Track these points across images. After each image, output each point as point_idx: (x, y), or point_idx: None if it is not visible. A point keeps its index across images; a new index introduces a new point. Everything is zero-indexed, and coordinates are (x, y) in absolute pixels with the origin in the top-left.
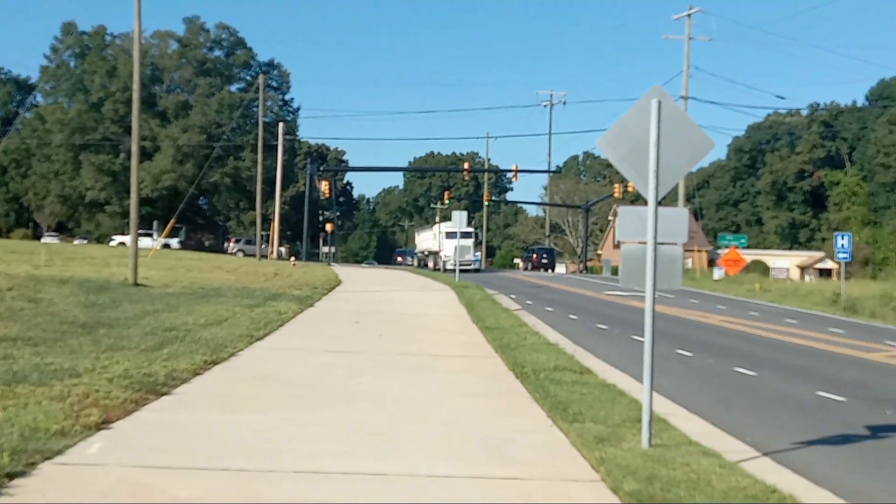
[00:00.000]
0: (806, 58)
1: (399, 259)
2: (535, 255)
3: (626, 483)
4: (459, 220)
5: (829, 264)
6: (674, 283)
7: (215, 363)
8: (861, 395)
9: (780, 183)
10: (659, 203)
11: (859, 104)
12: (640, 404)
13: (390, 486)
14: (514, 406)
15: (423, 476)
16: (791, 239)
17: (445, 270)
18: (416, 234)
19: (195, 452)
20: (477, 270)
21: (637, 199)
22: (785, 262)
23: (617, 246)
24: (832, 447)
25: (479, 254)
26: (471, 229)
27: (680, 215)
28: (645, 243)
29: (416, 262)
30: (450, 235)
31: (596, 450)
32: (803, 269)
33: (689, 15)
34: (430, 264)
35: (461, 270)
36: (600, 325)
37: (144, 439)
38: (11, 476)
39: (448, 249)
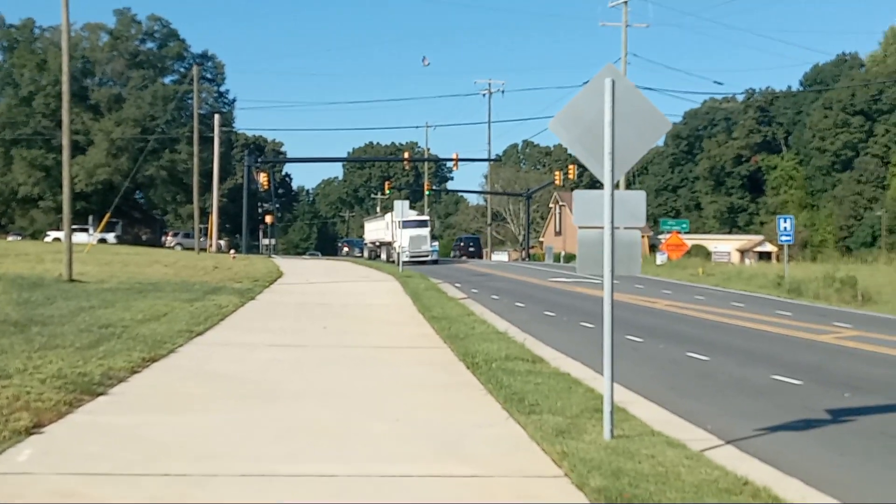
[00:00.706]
0: (742, 44)
1: (345, 249)
2: (462, 244)
3: (591, 479)
4: (402, 209)
5: (768, 247)
6: (633, 268)
7: (154, 360)
8: (816, 378)
9: (717, 168)
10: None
11: (794, 89)
12: (597, 393)
13: (343, 489)
14: (467, 399)
15: (376, 477)
16: (730, 223)
17: (402, 263)
18: (366, 224)
19: (133, 458)
20: (434, 262)
21: (577, 186)
22: (725, 246)
23: (559, 233)
24: (795, 433)
25: (435, 244)
26: (426, 218)
27: (638, 198)
28: (602, 228)
29: (365, 254)
30: (405, 225)
31: (556, 443)
32: (743, 252)
33: (625, 2)
34: (383, 256)
35: (418, 262)
36: (547, 313)
37: (78, 444)
38: None
39: (403, 240)
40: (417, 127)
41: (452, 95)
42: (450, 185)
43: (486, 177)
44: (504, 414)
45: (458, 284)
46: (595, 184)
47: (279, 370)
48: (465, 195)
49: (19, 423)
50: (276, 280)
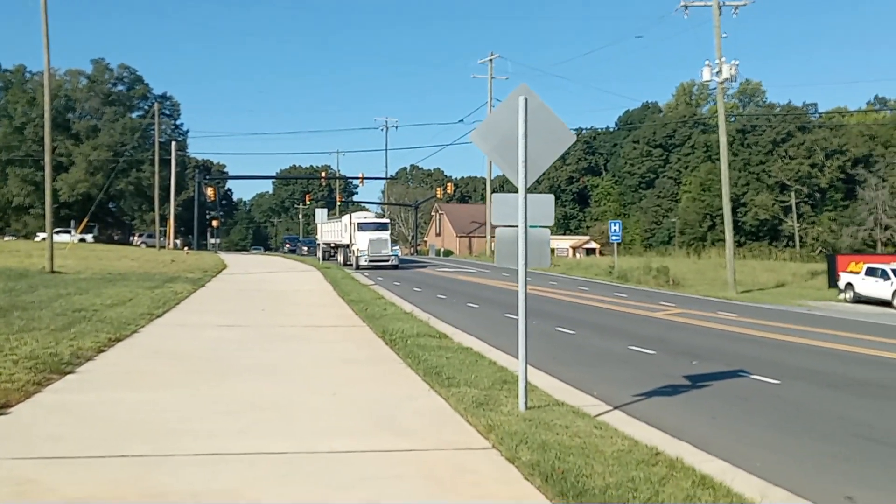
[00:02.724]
0: (576, 93)
1: (287, 246)
2: None
3: (521, 452)
4: (322, 216)
5: (593, 245)
6: (543, 261)
7: (118, 340)
8: (664, 349)
9: (555, 186)
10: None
11: (611, 128)
12: (500, 366)
13: (294, 466)
14: (391, 372)
15: (323, 453)
16: (564, 227)
17: (359, 267)
18: (322, 226)
19: (92, 439)
20: (395, 267)
21: (451, 200)
22: (563, 243)
23: (438, 234)
24: (668, 398)
25: (397, 248)
26: (386, 221)
27: (547, 201)
28: (516, 227)
29: (319, 255)
30: (363, 227)
31: (479, 415)
32: (575, 248)
33: (490, 60)
34: (340, 258)
35: (377, 266)
36: (440, 296)
37: (42, 425)
38: None
39: (362, 243)
40: (330, 152)
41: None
42: (356, 198)
43: (383, 192)
44: (425, 386)
45: (365, 273)
46: (466, 198)
47: (226, 348)
48: (367, 206)
49: None
50: (221, 271)
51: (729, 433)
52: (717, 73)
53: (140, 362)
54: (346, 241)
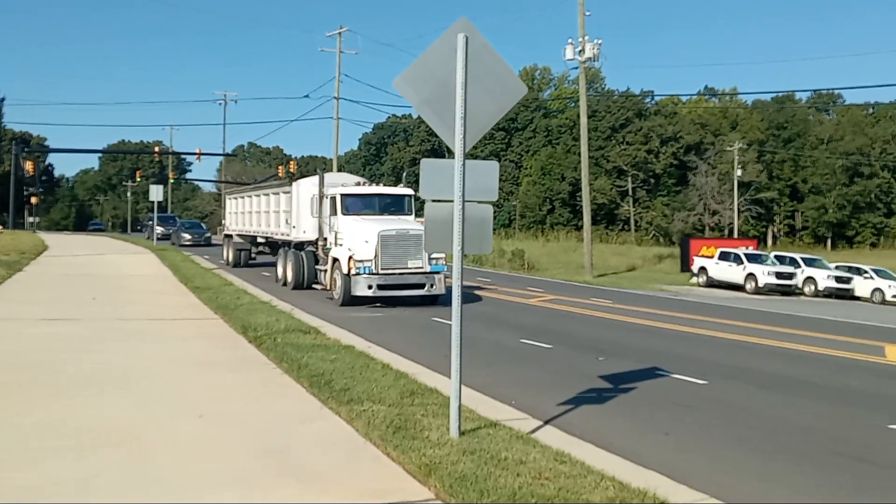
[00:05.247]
0: None
1: (160, 229)
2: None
3: None
4: (157, 192)
5: None
6: (484, 246)
7: None
8: (559, 342)
9: (398, 168)
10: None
11: None
12: (395, 369)
13: None
14: (267, 381)
15: None
16: None
17: (352, 297)
18: (232, 201)
19: None
20: (433, 299)
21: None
22: None
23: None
24: (598, 407)
25: (441, 258)
26: (406, 191)
27: (491, 169)
28: (452, 201)
29: (228, 254)
30: (356, 208)
31: (404, 447)
32: None
33: (339, 33)
34: (282, 269)
35: (398, 295)
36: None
37: None
38: None
39: (356, 241)
40: (163, 126)
41: (195, 101)
42: (189, 176)
43: (219, 170)
44: (315, 402)
45: (206, 256)
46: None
47: (57, 350)
48: (201, 184)
49: None
50: (41, 253)
51: (699, 457)
52: (580, 51)
53: None
54: (303, 236)
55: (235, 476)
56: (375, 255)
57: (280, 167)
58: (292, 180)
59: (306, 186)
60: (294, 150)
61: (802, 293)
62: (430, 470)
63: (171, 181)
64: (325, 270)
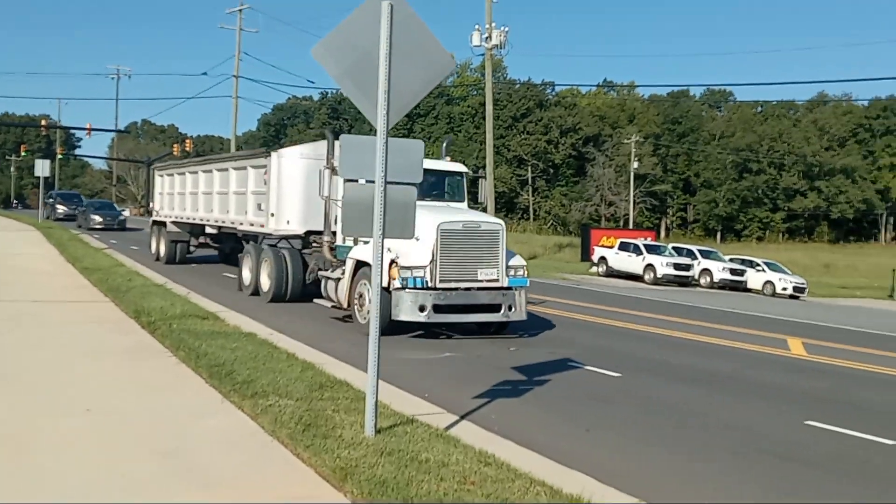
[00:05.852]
0: None
1: (61, 209)
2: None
3: None
4: (42, 167)
5: None
6: (406, 231)
7: None
8: (469, 331)
9: None
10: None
11: None
12: (301, 359)
13: None
14: (161, 370)
15: None
16: None
17: (406, 324)
18: (163, 178)
19: None
20: (502, 325)
21: (188, 156)
22: None
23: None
24: (514, 401)
25: (523, 268)
26: (461, 167)
27: (416, 148)
28: (373, 182)
29: (159, 247)
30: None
31: (315, 447)
32: None
33: (240, 10)
34: (246, 273)
35: (482, 317)
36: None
37: None
38: None
39: (402, 242)
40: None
41: (86, 74)
42: (78, 152)
43: (110, 147)
44: (216, 395)
45: (96, 235)
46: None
47: None
48: (91, 160)
49: None
50: None
51: (626, 456)
52: (487, 38)
53: None
54: (286, 228)
55: (126, 480)
56: (432, 260)
57: (175, 145)
58: (269, 150)
59: (292, 159)
60: (190, 129)
61: (699, 284)
62: (345, 474)
63: (60, 157)
64: (337, 280)
